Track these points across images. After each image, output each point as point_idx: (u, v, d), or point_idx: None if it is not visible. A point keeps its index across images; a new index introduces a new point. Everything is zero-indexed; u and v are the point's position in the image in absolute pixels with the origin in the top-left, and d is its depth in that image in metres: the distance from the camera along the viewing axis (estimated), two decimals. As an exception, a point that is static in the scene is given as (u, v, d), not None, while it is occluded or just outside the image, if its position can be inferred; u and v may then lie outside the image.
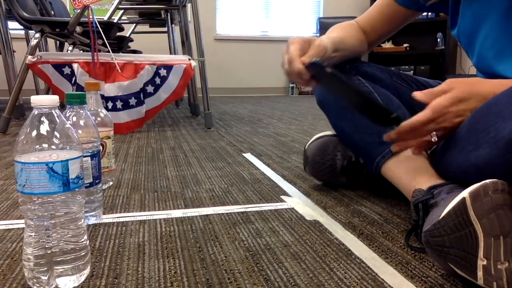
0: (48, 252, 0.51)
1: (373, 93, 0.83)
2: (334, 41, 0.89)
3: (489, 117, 0.61)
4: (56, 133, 0.52)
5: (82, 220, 0.55)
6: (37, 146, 0.51)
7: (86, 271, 0.55)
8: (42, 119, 0.52)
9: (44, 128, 0.52)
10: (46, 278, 0.52)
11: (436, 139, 0.69)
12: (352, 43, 0.95)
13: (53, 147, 0.52)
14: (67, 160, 0.52)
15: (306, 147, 1.01)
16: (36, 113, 0.52)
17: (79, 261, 0.54)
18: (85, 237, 0.55)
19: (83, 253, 0.54)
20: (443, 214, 0.54)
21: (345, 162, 0.97)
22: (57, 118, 0.53)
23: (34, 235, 0.51)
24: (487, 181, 0.52)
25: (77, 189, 0.54)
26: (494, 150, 0.57)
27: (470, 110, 0.64)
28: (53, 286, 0.52)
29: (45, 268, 0.52)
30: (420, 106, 0.94)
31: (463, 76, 4.20)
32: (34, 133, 0.52)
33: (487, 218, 0.51)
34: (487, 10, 0.75)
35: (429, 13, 4.79)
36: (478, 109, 0.65)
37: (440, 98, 0.65)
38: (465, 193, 0.52)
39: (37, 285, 0.52)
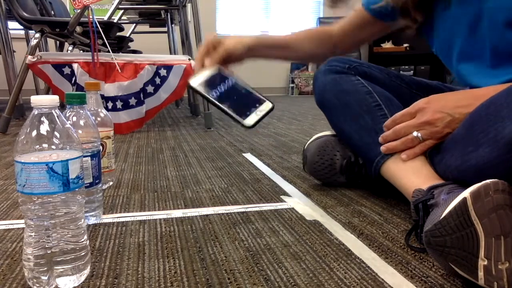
0: (48, 252, 0.51)
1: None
2: (260, 40, 0.93)
3: (487, 118, 0.61)
4: (56, 133, 0.52)
5: (82, 220, 0.55)
6: (37, 146, 0.51)
7: (86, 271, 0.55)
8: (42, 119, 0.52)
9: (44, 128, 0.52)
10: (46, 278, 0.52)
11: (420, 136, 0.72)
12: (301, 46, 0.99)
13: (53, 147, 0.52)
14: (67, 160, 0.52)
15: (305, 146, 1.01)
16: (36, 113, 0.52)
17: (79, 261, 0.54)
18: (85, 237, 0.55)
19: (83, 253, 0.54)
20: (444, 214, 0.54)
21: (344, 162, 0.97)
22: (57, 118, 0.53)
23: (34, 235, 0.51)
24: (488, 181, 0.52)
25: (77, 189, 0.54)
26: (494, 151, 0.57)
27: (449, 108, 0.71)
28: (53, 286, 0.52)
29: (45, 268, 0.52)
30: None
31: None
32: (34, 133, 0.51)
33: (488, 218, 0.51)
34: (457, 25, 0.79)
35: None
36: (476, 110, 0.65)
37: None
38: (466, 193, 0.52)
39: (37, 285, 0.52)
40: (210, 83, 0.78)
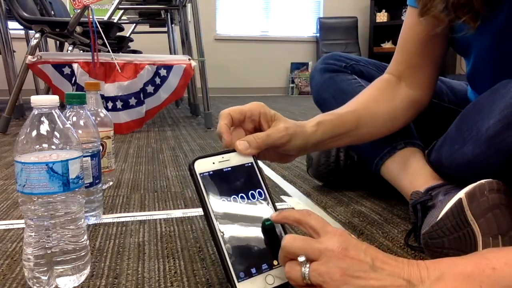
0: (48, 252, 0.51)
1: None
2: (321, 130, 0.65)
3: (472, 116, 0.61)
4: (56, 133, 0.52)
5: (82, 220, 0.55)
6: (37, 146, 0.51)
7: (86, 271, 0.55)
8: (42, 119, 0.52)
9: (44, 128, 0.52)
10: (46, 278, 0.52)
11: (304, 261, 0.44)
12: (375, 120, 0.72)
13: (53, 147, 0.52)
14: (67, 160, 0.52)
15: None
16: (36, 113, 0.52)
17: (79, 261, 0.54)
18: (85, 237, 0.55)
19: (83, 253, 0.54)
20: (440, 215, 0.54)
21: (348, 162, 0.97)
22: (57, 118, 0.53)
23: (34, 235, 0.51)
24: (483, 181, 0.53)
25: (77, 189, 0.54)
26: (477, 148, 0.58)
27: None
28: (53, 286, 0.52)
29: (45, 268, 0.52)
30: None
31: (463, 76, 4.19)
32: (34, 133, 0.52)
33: (484, 218, 0.51)
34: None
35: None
36: (465, 109, 0.66)
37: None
38: (462, 193, 0.53)
39: (37, 285, 0.52)
40: (225, 183, 0.52)
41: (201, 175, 0.51)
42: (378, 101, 0.72)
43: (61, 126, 0.53)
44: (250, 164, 0.55)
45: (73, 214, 0.53)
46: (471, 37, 0.65)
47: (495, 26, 0.62)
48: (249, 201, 0.52)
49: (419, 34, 0.72)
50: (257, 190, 0.53)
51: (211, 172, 0.51)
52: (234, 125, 0.57)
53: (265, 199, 0.53)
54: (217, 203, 0.50)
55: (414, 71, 0.74)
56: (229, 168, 0.53)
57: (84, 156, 0.74)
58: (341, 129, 0.67)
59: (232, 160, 0.54)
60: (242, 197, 0.52)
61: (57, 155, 0.51)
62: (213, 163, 0.52)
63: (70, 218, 0.53)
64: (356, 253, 0.42)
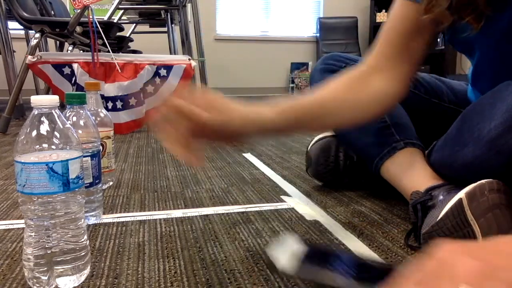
0: (48, 252, 0.51)
1: None
2: (285, 115, 0.63)
3: (474, 118, 0.61)
4: (56, 133, 0.52)
5: (82, 220, 0.55)
6: (37, 146, 0.51)
7: (86, 271, 0.55)
8: (42, 119, 0.52)
9: (44, 128, 0.52)
10: (46, 278, 0.52)
11: None
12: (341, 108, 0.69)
13: (53, 147, 0.52)
14: (67, 160, 0.52)
15: (309, 149, 1.01)
16: (36, 113, 0.52)
17: (79, 261, 0.54)
18: (85, 237, 0.55)
19: (83, 253, 0.54)
20: (441, 215, 0.54)
21: (348, 162, 0.97)
22: (57, 118, 0.53)
23: (34, 235, 0.51)
24: (483, 181, 0.53)
25: (77, 189, 0.54)
26: (477, 150, 0.58)
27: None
28: (53, 286, 0.52)
29: (45, 268, 0.52)
30: (416, 104, 0.94)
31: (463, 76, 4.20)
32: (34, 133, 0.52)
33: (485, 218, 0.51)
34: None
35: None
36: (466, 109, 0.65)
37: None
38: (462, 193, 0.53)
39: (37, 285, 0.52)
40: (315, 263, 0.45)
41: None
42: (348, 91, 0.69)
43: (61, 126, 0.53)
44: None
45: (73, 214, 0.53)
46: (474, 37, 0.64)
47: (498, 26, 0.62)
48: None
49: (407, 29, 0.69)
50: None
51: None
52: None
53: None
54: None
55: (394, 65, 0.70)
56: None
57: (84, 156, 0.74)
58: (306, 117, 0.65)
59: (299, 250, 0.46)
60: None
61: (57, 155, 0.51)
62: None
63: (70, 218, 0.53)
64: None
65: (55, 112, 0.53)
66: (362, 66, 0.72)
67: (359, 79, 0.70)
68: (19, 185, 0.51)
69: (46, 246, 0.51)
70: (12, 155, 0.51)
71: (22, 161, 0.50)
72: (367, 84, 0.69)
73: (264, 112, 0.61)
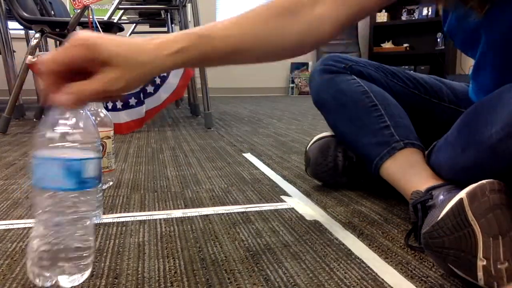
0: (54, 248, 0.51)
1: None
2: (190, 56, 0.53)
3: (475, 121, 0.61)
4: (76, 130, 0.52)
5: (91, 220, 0.55)
6: (56, 143, 0.51)
7: (88, 271, 0.55)
8: (63, 115, 0.52)
9: (65, 124, 0.51)
10: (48, 274, 0.52)
11: None
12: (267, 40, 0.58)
13: (72, 144, 0.52)
14: (85, 159, 0.52)
15: (307, 148, 1.01)
16: (57, 108, 0.51)
17: (82, 260, 0.54)
18: (92, 237, 0.55)
19: (87, 253, 0.54)
20: (441, 215, 0.54)
21: (346, 163, 0.97)
22: (79, 115, 0.53)
23: (43, 229, 0.51)
24: (484, 181, 0.53)
25: (91, 189, 0.54)
26: (479, 153, 0.58)
27: None
28: (54, 281, 0.52)
29: (49, 263, 0.52)
30: (416, 104, 0.94)
31: (463, 76, 4.20)
32: (54, 129, 0.51)
33: (485, 218, 0.51)
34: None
35: (429, 13, 4.79)
36: (467, 111, 0.65)
37: None
38: (463, 193, 0.53)
39: (38, 279, 0.52)
40: None
41: None
42: (278, 21, 0.57)
43: (83, 124, 0.53)
44: None
45: (84, 213, 0.53)
46: (479, 24, 0.65)
47: (503, 20, 0.62)
48: None
49: None
50: None
51: None
52: (61, 76, 0.48)
53: None
54: None
55: (341, 3, 0.58)
56: None
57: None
58: (213, 56, 0.54)
59: None
60: None
61: (75, 153, 0.51)
62: None
63: (79, 217, 0.53)
64: None
65: (79, 109, 0.52)
66: None
67: (297, 6, 0.58)
68: (34, 179, 0.51)
69: (53, 242, 0.51)
70: (30, 149, 0.51)
71: (40, 155, 0.50)
72: (305, 13, 0.58)
73: (157, 56, 0.51)
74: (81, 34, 0.48)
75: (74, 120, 0.52)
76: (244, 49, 0.57)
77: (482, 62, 0.73)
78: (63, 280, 0.52)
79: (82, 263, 0.54)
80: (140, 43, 0.51)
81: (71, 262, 0.52)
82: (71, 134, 0.52)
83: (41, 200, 0.51)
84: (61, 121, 0.52)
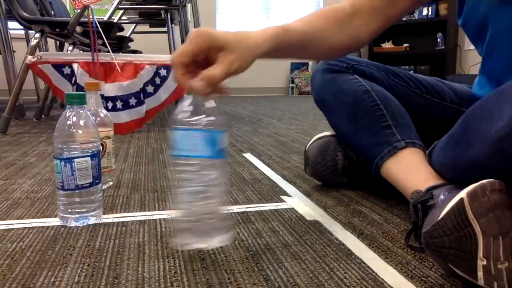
0: (201, 213, 0.59)
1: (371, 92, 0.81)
2: (278, 43, 0.65)
3: (480, 117, 0.61)
4: (207, 113, 0.59)
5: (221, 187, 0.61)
6: (193, 118, 0.58)
7: (232, 233, 0.64)
8: (199, 101, 0.59)
9: (198, 105, 0.59)
10: (199, 239, 0.60)
11: None
12: (324, 38, 0.72)
13: (206, 120, 0.58)
14: (221, 131, 0.59)
15: (307, 147, 1.01)
16: (192, 95, 0.58)
17: (225, 221, 0.61)
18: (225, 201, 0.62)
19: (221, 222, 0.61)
20: (441, 215, 0.54)
21: (346, 162, 0.97)
22: (209, 103, 0.60)
23: (187, 193, 0.58)
24: (485, 181, 0.53)
25: (224, 158, 0.60)
26: (484, 150, 0.58)
27: None
28: (207, 244, 0.61)
29: (200, 228, 0.59)
30: (418, 104, 0.94)
31: (463, 76, 4.20)
32: (190, 108, 0.58)
33: (486, 218, 0.51)
34: None
35: (429, 13, 4.79)
36: (471, 109, 0.65)
37: None
38: (463, 193, 0.53)
39: (190, 246, 0.61)
40: None
41: None
42: (333, 25, 0.72)
43: (212, 111, 0.60)
44: None
45: (217, 180, 0.60)
46: (489, 16, 0.68)
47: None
48: None
49: None
50: None
51: None
52: (189, 69, 0.58)
53: None
54: None
55: (376, 15, 0.74)
56: None
57: (84, 156, 0.74)
58: (288, 45, 0.68)
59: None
60: None
61: (213, 126, 0.58)
62: None
63: (215, 185, 0.59)
64: None
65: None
66: (348, 4, 0.74)
67: (343, 17, 0.73)
68: (176, 149, 0.58)
69: (198, 209, 0.59)
70: (171, 124, 0.58)
71: (184, 128, 0.57)
72: (348, 24, 0.73)
73: (256, 42, 0.62)
74: (199, 29, 0.58)
75: (206, 106, 0.60)
76: (312, 44, 0.71)
77: (490, 48, 0.75)
78: (214, 242, 0.61)
79: (224, 224, 0.61)
80: (244, 32, 0.62)
81: (218, 223, 0.60)
82: (203, 114, 0.59)
83: (184, 168, 0.58)
84: (192, 101, 0.59)
